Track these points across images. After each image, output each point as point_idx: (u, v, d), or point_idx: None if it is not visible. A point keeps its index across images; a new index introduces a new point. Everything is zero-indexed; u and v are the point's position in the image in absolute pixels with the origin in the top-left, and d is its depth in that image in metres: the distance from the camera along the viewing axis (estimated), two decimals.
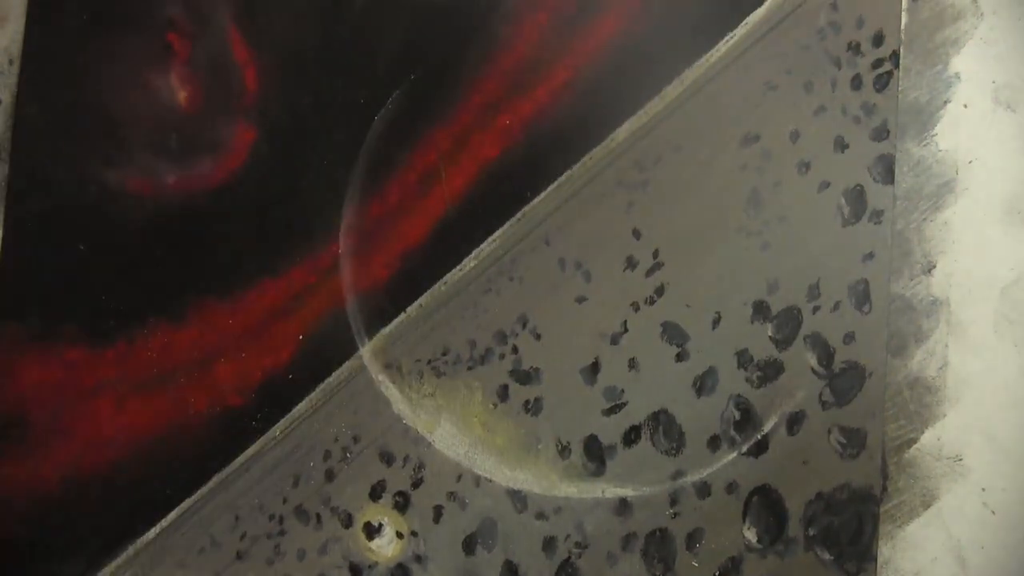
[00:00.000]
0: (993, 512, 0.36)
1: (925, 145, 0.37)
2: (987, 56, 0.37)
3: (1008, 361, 0.36)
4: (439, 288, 0.38)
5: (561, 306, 0.38)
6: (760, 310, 0.37)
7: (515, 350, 0.38)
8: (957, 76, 0.37)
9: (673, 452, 0.37)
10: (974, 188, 0.37)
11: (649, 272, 0.37)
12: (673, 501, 0.37)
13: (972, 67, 0.37)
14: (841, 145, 0.37)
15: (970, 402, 0.36)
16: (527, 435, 0.37)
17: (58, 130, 0.38)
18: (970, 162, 0.37)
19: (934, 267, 0.37)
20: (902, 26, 0.37)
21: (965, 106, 0.37)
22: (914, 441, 0.36)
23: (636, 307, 0.37)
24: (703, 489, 0.37)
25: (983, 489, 0.36)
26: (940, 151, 0.37)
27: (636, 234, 0.38)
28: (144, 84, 0.38)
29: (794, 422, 0.37)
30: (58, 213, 0.38)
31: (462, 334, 0.38)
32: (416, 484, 0.37)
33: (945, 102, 0.37)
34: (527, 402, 0.37)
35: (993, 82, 0.37)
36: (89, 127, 0.38)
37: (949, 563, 0.36)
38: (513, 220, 0.38)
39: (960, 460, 0.36)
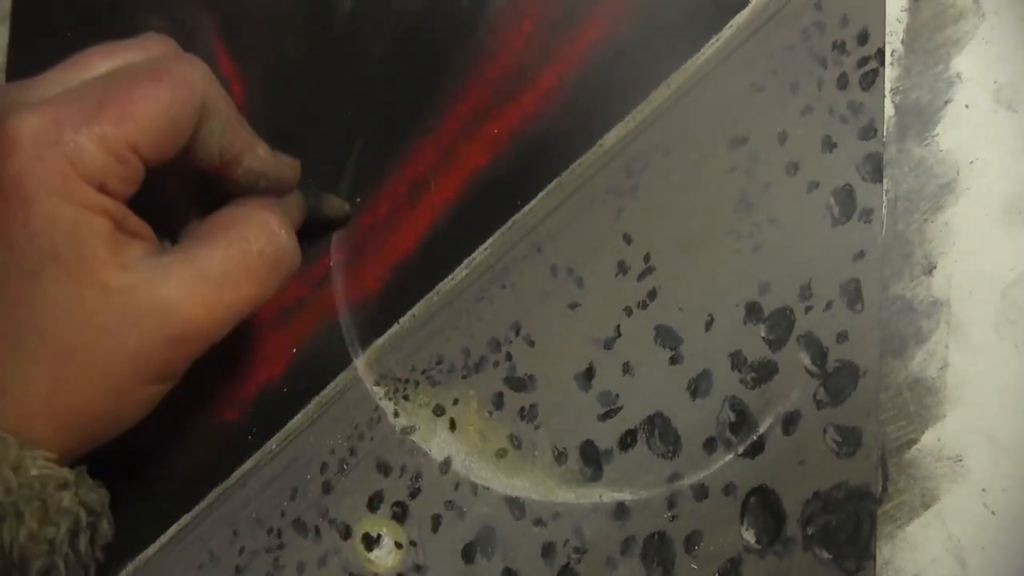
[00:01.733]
0: (993, 513, 0.36)
1: (926, 145, 0.37)
2: (988, 56, 0.37)
3: (1009, 362, 0.36)
4: (431, 298, 0.38)
5: (554, 312, 0.38)
6: (752, 311, 0.37)
7: (509, 357, 0.38)
8: (958, 76, 0.37)
9: (669, 455, 0.37)
10: (975, 188, 0.37)
11: (641, 276, 0.37)
12: (671, 504, 0.37)
13: (973, 67, 0.37)
14: (829, 145, 0.37)
15: (971, 403, 0.36)
16: (523, 442, 0.37)
17: None
18: (971, 162, 0.37)
19: (935, 268, 0.37)
20: (902, 27, 0.37)
21: (966, 106, 0.37)
22: (914, 442, 0.36)
23: (629, 312, 0.37)
24: (700, 491, 0.37)
25: (983, 490, 0.36)
26: (941, 151, 0.37)
27: (627, 239, 0.38)
28: None
29: (789, 422, 0.37)
30: None
31: (456, 343, 0.38)
32: (414, 494, 0.37)
33: (946, 102, 0.37)
34: (522, 409, 0.37)
35: (995, 82, 0.37)
36: None
37: (949, 563, 0.36)
38: (504, 228, 0.38)
39: (960, 461, 0.36)
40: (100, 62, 0.28)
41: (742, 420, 0.37)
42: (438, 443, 0.37)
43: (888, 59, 0.37)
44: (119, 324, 0.26)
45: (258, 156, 0.31)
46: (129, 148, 0.26)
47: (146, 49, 0.29)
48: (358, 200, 0.38)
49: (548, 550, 0.37)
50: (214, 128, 0.28)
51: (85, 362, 0.26)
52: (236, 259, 0.29)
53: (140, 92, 0.26)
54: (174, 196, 0.31)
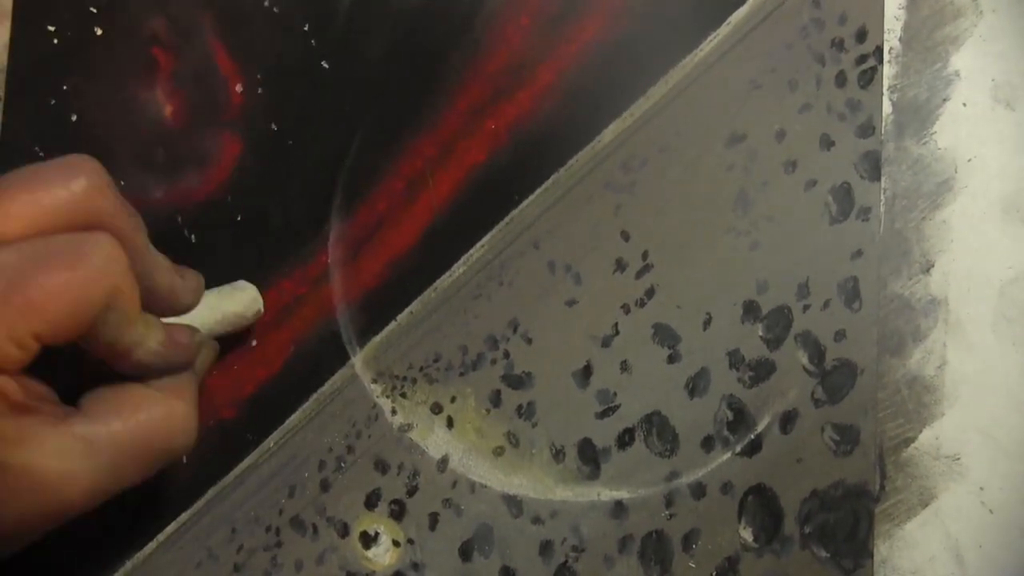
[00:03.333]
0: (991, 511, 0.36)
1: (924, 143, 0.37)
2: (986, 54, 0.37)
3: (1007, 360, 0.36)
4: (429, 295, 0.38)
5: (552, 310, 0.38)
6: (750, 310, 0.37)
7: (507, 355, 0.38)
8: (956, 74, 0.37)
9: (667, 454, 0.37)
10: (973, 186, 0.37)
11: (639, 274, 0.37)
12: (668, 503, 0.37)
13: (971, 65, 0.37)
14: (827, 143, 0.37)
15: (968, 401, 0.36)
16: (521, 440, 0.37)
17: (44, 147, 0.38)
18: (969, 160, 0.37)
19: (932, 266, 0.37)
20: (900, 25, 0.37)
21: (964, 104, 0.37)
22: (912, 440, 0.36)
23: (627, 309, 0.37)
24: (698, 490, 0.37)
25: (981, 488, 0.36)
26: (939, 149, 0.37)
27: (625, 236, 0.38)
28: (129, 98, 0.38)
29: (787, 421, 0.36)
30: None
31: (453, 340, 0.38)
32: (411, 492, 0.37)
33: (944, 100, 0.37)
34: (520, 407, 0.37)
35: (992, 80, 0.37)
36: (76, 143, 0.38)
37: (947, 562, 0.36)
38: (502, 224, 0.38)
39: (958, 459, 0.36)
40: (20, 208, 0.27)
41: (740, 419, 0.37)
42: (435, 441, 0.37)
43: (886, 57, 0.37)
44: (7, 498, 0.26)
45: (149, 351, 0.30)
46: (32, 337, 0.26)
47: (69, 183, 0.28)
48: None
49: (546, 548, 0.37)
50: (109, 320, 0.28)
51: None
52: (131, 447, 0.29)
53: (52, 282, 0.26)
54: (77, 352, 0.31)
